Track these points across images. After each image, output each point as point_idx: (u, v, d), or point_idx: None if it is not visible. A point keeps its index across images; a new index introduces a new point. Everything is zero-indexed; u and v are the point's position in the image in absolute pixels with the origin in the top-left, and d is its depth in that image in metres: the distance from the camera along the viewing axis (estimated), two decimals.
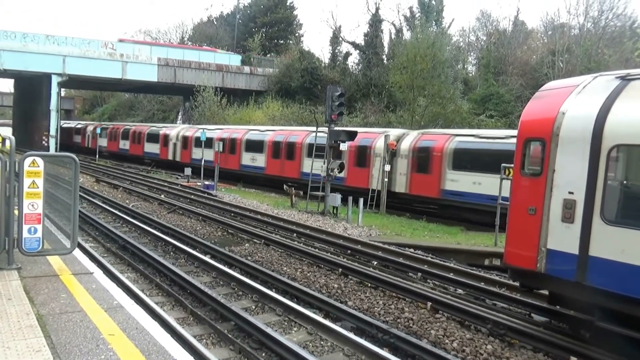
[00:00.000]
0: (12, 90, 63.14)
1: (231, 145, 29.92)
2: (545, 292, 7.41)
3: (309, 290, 8.96)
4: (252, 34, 55.60)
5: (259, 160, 28.10)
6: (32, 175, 5.63)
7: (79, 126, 55.76)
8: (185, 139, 34.72)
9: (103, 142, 46.60)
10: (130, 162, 40.86)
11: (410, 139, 20.55)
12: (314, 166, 20.10)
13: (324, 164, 18.43)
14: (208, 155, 29.13)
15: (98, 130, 47.75)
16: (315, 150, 20.00)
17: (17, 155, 6.04)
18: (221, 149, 27.01)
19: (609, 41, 32.81)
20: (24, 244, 5.66)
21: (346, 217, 17.23)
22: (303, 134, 25.75)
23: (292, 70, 44.60)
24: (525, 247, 6.88)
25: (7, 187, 5.81)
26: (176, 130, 37.03)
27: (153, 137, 39.35)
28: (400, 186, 20.23)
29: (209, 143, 28.89)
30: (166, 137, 37.07)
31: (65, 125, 55.41)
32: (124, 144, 43.53)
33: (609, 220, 5.99)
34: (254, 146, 28.60)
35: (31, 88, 47.10)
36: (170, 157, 36.40)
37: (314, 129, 21.77)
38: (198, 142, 29.90)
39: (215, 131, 31.99)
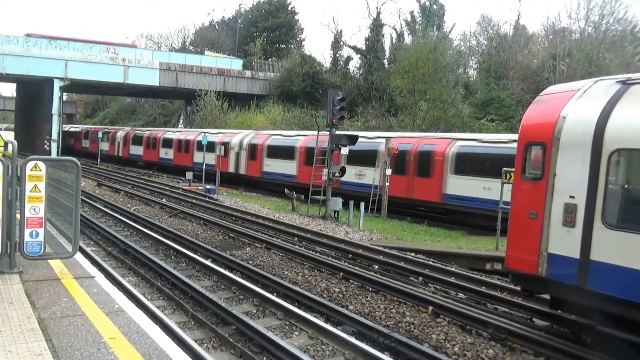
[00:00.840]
0: (15, 95, 63.36)
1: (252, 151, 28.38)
2: (547, 296, 7.40)
3: (310, 295, 8.95)
4: (254, 38, 55.79)
5: (289, 167, 25.88)
6: (34, 179, 5.65)
7: (105, 131, 48.46)
8: (253, 148, 28.87)
9: (137, 150, 41.40)
10: (174, 174, 34.37)
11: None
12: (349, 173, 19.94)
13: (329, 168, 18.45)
14: (289, 167, 25.97)
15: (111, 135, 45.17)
16: (318, 155, 20.05)
17: (19, 159, 6.06)
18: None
19: (610, 45, 32.87)
20: (25, 247, 5.67)
21: (347, 221, 17.22)
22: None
23: (294, 75, 44.70)
24: (526, 252, 6.87)
25: (9, 191, 5.83)
26: (238, 137, 30.69)
27: (207, 146, 29.92)
28: None
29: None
30: (226, 146, 29.79)
31: (70, 129, 53.94)
32: (166, 153, 37.91)
33: (610, 225, 5.98)
34: (280, 152, 26.69)
35: (33, 92, 47.28)
36: (231, 169, 30.12)
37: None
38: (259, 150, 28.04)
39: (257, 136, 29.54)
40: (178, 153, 36.22)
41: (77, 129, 57.90)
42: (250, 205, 21.05)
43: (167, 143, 37.77)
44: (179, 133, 38.42)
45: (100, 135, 45.84)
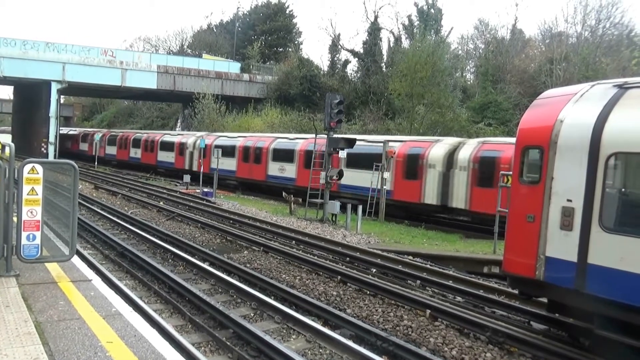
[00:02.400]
0: (12, 97, 63.25)
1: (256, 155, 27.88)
2: (544, 299, 7.40)
3: (307, 298, 8.94)
4: (252, 41, 55.86)
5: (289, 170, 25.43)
6: (31, 182, 5.63)
7: (125, 135, 44.70)
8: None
9: (166, 156, 37.06)
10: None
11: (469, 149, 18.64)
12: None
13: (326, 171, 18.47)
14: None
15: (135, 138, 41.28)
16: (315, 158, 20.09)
17: (16, 161, 6.04)
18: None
19: (607, 50, 33.04)
20: (22, 250, 5.65)
21: (345, 225, 17.22)
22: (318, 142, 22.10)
23: (291, 78, 44.74)
24: (524, 255, 6.88)
25: (6, 194, 5.81)
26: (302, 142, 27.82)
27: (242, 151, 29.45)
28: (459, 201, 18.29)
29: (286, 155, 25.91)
30: (259, 151, 27.95)
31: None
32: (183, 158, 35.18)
33: (608, 228, 6.00)
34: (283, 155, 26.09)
35: (31, 95, 47.20)
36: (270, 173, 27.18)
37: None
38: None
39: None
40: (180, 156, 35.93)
41: (75, 132, 57.81)
42: (248, 208, 21.03)
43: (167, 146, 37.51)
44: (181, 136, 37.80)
45: (130, 139, 42.24)
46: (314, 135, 21.19)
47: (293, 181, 25.28)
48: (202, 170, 27.88)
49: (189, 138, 34.96)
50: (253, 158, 28.32)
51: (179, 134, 36.58)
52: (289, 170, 25.67)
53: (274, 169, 26.67)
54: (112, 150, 45.16)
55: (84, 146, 51.16)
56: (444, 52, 34.34)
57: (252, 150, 28.55)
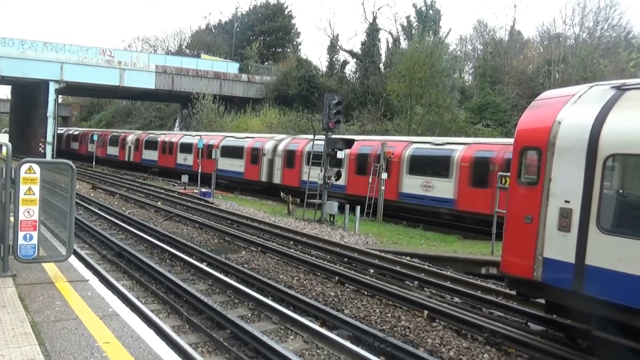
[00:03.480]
0: (10, 97, 63.13)
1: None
2: (542, 300, 7.40)
3: (305, 299, 8.93)
4: (250, 42, 55.85)
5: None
6: (29, 182, 5.61)
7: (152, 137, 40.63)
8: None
9: (186, 158, 34.02)
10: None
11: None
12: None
13: (321, 171, 18.47)
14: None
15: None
16: (313, 158, 20.07)
17: (13, 161, 6.02)
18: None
19: (604, 51, 33.12)
20: (19, 250, 5.63)
21: (343, 225, 17.21)
22: (377, 145, 20.99)
23: (290, 78, 44.76)
24: (521, 256, 6.88)
25: (3, 194, 5.79)
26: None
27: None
28: None
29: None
30: (299, 154, 25.67)
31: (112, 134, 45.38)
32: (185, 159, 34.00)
33: (605, 229, 6.00)
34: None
35: (28, 95, 47.12)
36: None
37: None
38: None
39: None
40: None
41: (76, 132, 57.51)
42: (246, 208, 21.01)
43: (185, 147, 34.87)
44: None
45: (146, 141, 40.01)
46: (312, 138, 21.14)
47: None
48: (200, 170, 27.84)
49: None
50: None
51: (248, 137, 30.91)
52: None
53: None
54: (152, 155, 38.88)
55: (113, 150, 44.78)
56: (442, 53, 34.40)
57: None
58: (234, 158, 29.08)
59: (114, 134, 46.98)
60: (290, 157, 25.79)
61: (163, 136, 38.77)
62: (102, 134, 48.15)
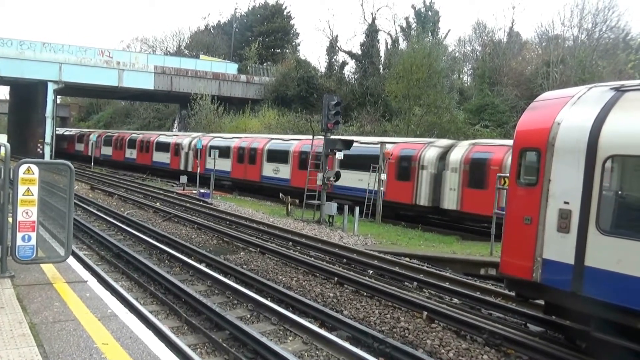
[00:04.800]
0: (8, 98, 63.02)
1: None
2: (541, 302, 7.40)
3: (304, 299, 8.92)
4: (249, 42, 55.85)
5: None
6: (27, 182, 5.60)
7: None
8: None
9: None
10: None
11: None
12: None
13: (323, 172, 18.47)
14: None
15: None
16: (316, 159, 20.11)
17: (12, 162, 6.01)
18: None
19: (603, 53, 33.15)
20: (17, 251, 5.62)
21: (342, 226, 17.20)
22: (420, 147, 20.61)
23: (289, 79, 44.78)
24: (521, 257, 6.88)
25: (1, 195, 5.78)
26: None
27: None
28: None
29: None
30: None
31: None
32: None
33: (604, 231, 6.00)
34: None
35: (27, 95, 47.06)
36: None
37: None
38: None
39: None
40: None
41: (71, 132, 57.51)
42: (245, 209, 20.99)
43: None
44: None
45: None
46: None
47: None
48: (198, 171, 27.81)
49: (184, 139, 34.88)
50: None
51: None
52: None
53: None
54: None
55: (131, 153, 42.53)
56: (440, 54, 34.43)
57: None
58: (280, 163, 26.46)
59: (134, 135, 43.28)
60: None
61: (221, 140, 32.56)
62: (120, 136, 45.18)
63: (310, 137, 20.96)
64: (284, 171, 26.16)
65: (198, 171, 27.83)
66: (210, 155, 28.15)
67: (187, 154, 34.46)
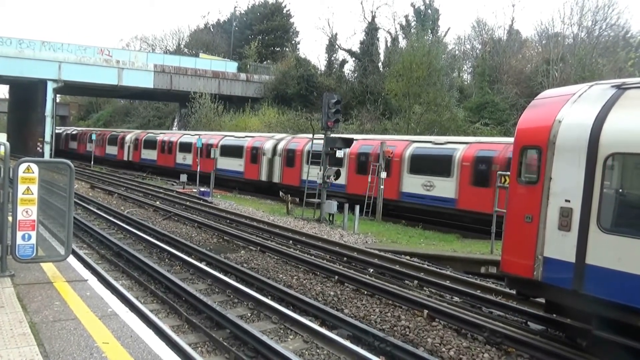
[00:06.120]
0: (7, 97, 62.98)
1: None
2: (542, 300, 7.40)
3: (305, 298, 8.91)
4: (249, 41, 55.83)
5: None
6: (27, 181, 5.58)
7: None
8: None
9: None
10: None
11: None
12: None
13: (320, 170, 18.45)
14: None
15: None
16: (312, 158, 20.07)
17: (11, 161, 6.00)
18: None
19: (603, 51, 33.13)
20: (17, 250, 5.61)
21: (342, 224, 17.20)
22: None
23: (288, 78, 44.75)
24: (521, 255, 6.87)
25: (1, 194, 5.76)
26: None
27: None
28: None
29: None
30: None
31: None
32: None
33: (605, 229, 5.99)
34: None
35: (26, 94, 46.99)
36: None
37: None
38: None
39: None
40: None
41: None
42: (245, 208, 20.98)
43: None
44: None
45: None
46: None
47: None
48: (198, 169, 27.80)
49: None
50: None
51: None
52: None
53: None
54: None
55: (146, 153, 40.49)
56: (440, 52, 34.41)
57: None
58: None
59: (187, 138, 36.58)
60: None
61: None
62: (141, 136, 41.56)
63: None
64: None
65: (198, 170, 27.81)
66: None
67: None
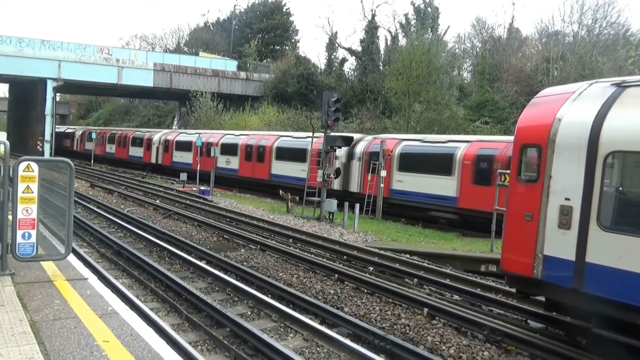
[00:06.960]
0: (7, 95, 62.93)
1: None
2: (542, 298, 7.40)
3: (305, 296, 8.92)
4: (249, 39, 55.75)
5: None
6: (27, 180, 5.58)
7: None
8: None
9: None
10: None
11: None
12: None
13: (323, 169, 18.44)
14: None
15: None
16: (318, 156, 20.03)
17: (11, 160, 5.99)
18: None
19: (603, 49, 33.10)
20: (17, 249, 5.60)
21: (342, 223, 17.20)
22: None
23: (288, 76, 44.70)
24: (521, 254, 6.87)
25: (1, 192, 5.76)
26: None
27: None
28: None
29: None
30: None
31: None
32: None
33: (605, 227, 5.99)
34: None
35: (26, 93, 46.94)
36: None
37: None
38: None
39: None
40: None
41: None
42: (245, 206, 20.98)
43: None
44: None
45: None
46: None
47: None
48: (198, 168, 27.78)
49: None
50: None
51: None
52: None
53: None
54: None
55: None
56: (440, 50, 34.38)
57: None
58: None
59: (230, 138, 32.08)
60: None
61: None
62: (205, 138, 32.64)
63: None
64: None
65: (198, 168, 27.79)
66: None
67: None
